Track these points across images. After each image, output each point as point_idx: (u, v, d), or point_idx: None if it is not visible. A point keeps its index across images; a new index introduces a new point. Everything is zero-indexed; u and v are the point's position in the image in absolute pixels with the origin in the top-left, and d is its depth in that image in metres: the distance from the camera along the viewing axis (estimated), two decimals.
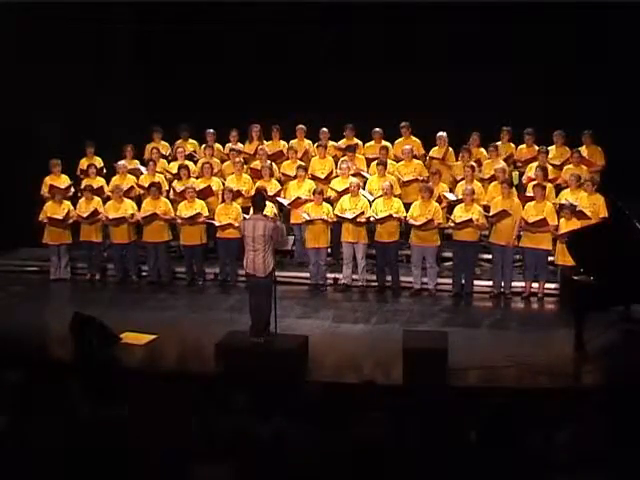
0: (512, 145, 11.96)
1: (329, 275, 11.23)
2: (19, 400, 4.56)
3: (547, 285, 10.46)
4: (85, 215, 11.41)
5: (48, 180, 11.89)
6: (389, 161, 11.64)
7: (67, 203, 11.58)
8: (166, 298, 10.83)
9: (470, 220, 10.31)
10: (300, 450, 4.22)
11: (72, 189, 11.95)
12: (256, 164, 12.04)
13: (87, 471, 3.41)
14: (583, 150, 11.31)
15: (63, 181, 11.95)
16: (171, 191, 11.79)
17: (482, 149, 11.91)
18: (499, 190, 10.66)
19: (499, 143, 11.83)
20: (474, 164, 11.29)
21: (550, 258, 10.36)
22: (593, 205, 10.14)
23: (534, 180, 10.74)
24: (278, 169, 11.98)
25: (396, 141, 12.23)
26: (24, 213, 11.71)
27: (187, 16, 13.26)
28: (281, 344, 8.35)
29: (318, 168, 11.84)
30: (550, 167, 11.16)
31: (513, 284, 10.60)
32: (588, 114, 11.52)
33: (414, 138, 12.16)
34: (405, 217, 10.71)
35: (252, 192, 11.04)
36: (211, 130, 12.64)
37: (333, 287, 11.17)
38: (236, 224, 10.74)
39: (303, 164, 11.83)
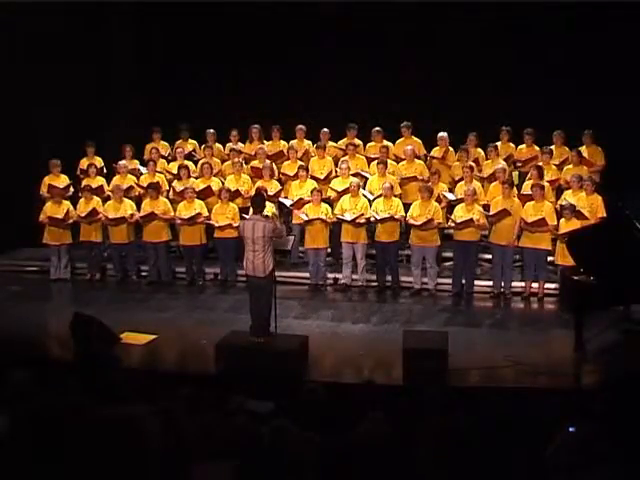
0: (512, 145, 11.95)
1: (329, 275, 11.24)
2: (19, 400, 4.55)
3: (547, 285, 10.45)
4: (84, 215, 11.41)
5: (47, 180, 11.88)
6: (389, 161, 11.63)
7: (67, 203, 11.57)
8: (166, 298, 10.81)
9: (471, 220, 10.31)
10: (300, 450, 4.22)
11: (71, 189, 11.95)
12: (257, 164, 12.04)
13: (87, 471, 3.41)
14: (583, 150, 11.31)
15: (62, 181, 11.94)
16: (171, 191, 11.79)
17: (479, 149, 11.91)
18: (499, 190, 10.67)
19: (499, 143, 11.83)
20: (473, 164, 11.30)
21: (550, 258, 10.35)
22: (591, 205, 10.13)
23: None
24: (278, 169, 11.98)
25: (397, 141, 12.23)
26: (24, 213, 11.71)
27: (187, 16, 13.26)
28: (281, 344, 8.34)
29: (317, 168, 11.83)
30: (551, 167, 11.17)
31: (513, 284, 10.59)
32: (588, 114, 11.52)
33: (415, 138, 12.16)
34: (405, 217, 10.71)
35: (251, 192, 11.04)
36: (211, 130, 12.65)
37: (333, 287, 11.17)
38: (235, 224, 10.74)
39: (304, 164, 11.82)
